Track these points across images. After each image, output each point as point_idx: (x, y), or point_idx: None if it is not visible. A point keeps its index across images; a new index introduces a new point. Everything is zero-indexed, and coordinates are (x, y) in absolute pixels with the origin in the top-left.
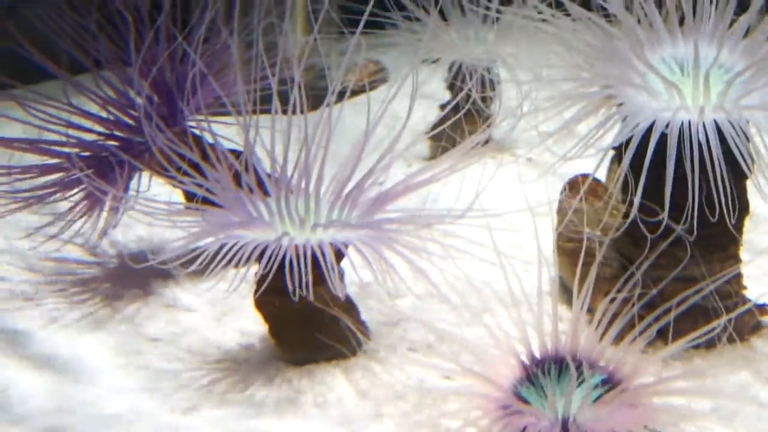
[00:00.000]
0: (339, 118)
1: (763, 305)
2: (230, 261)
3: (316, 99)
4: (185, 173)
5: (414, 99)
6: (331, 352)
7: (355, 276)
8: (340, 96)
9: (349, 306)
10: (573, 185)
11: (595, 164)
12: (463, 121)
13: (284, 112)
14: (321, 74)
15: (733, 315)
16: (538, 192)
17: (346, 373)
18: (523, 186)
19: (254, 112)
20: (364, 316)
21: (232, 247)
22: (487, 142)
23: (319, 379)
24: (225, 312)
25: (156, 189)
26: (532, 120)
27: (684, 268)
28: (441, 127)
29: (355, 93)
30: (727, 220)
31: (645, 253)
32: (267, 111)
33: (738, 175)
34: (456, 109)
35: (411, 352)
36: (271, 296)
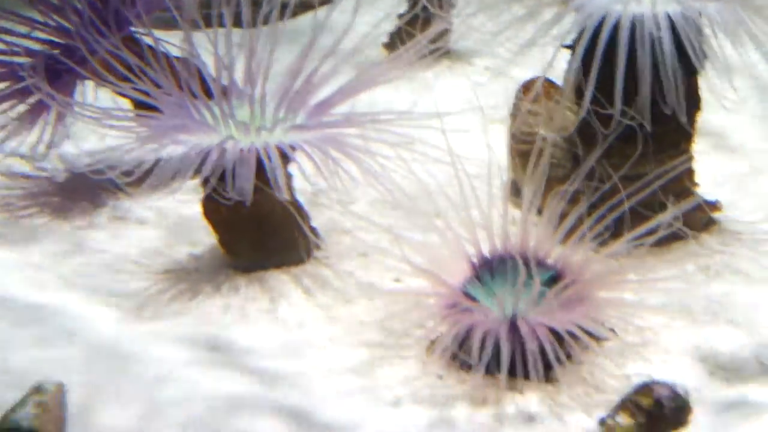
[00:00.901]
0: (290, 32)
1: (714, 202)
2: (175, 168)
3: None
4: (125, 78)
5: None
6: (280, 259)
7: (306, 184)
8: (285, 8)
9: (299, 212)
10: (528, 87)
11: (547, 62)
12: (420, 29)
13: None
14: None
15: (682, 209)
16: (494, 98)
17: (296, 279)
18: (476, 88)
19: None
20: (314, 223)
21: (175, 153)
22: (444, 51)
23: (269, 285)
24: (177, 222)
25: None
26: (484, 18)
27: (635, 165)
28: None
29: (307, 7)
30: (679, 116)
31: (596, 151)
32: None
33: (690, 71)
34: (414, 17)
35: (362, 257)
36: (218, 203)
